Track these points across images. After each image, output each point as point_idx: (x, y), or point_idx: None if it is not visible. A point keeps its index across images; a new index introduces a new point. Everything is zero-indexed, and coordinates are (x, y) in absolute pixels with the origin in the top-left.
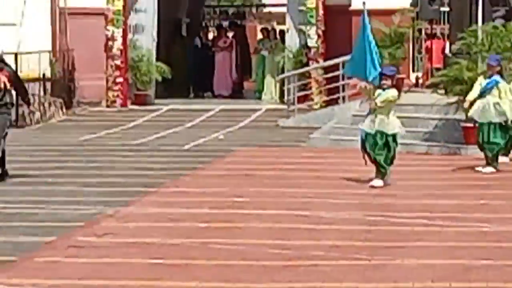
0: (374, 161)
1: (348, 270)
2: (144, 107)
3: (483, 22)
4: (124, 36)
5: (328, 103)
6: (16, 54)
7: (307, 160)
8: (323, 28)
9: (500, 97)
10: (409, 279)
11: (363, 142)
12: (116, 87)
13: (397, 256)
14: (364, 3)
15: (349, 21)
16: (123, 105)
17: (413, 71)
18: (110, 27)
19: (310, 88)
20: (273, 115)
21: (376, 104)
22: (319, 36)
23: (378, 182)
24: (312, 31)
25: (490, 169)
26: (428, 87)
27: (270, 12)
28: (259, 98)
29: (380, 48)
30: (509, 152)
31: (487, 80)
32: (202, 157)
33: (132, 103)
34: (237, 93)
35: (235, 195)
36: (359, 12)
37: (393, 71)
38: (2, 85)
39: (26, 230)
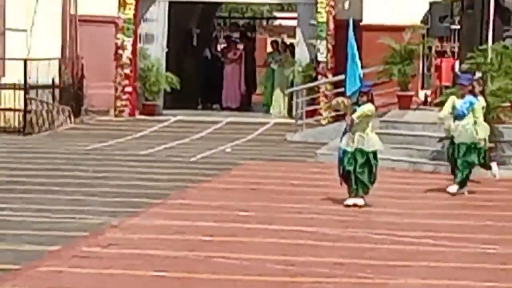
0: (347, 181)
1: None
2: (152, 117)
3: (493, 42)
4: (134, 45)
5: (336, 119)
6: (25, 60)
7: (313, 175)
8: (333, 42)
9: (475, 116)
10: None
11: (340, 161)
12: (125, 96)
13: (401, 275)
14: (350, 17)
15: (359, 36)
16: (131, 114)
17: (422, 88)
18: (120, 36)
19: (319, 103)
20: (280, 129)
21: (352, 120)
22: (328, 50)
23: (357, 201)
24: (322, 46)
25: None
26: (436, 105)
27: (280, 25)
28: (267, 111)
29: (390, 64)
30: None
31: (461, 101)
32: (208, 170)
33: (140, 113)
34: (245, 106)
35: (240, 209)
36: (370, 27)
37: (368, 86)
38: None
39: (30, 239)
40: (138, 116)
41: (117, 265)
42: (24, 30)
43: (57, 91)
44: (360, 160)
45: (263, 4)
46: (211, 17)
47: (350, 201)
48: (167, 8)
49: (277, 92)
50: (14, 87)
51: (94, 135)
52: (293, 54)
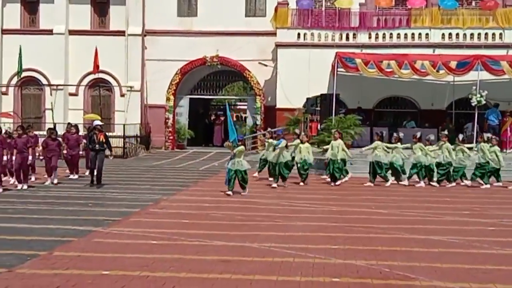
0: (229, 183)
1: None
2: (181, 150)
3: (335, 115)
4: (173, 118)
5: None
6: (124, 125)
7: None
8: (263, 116)
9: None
10: None
11: (227, 173)
12: (169, 141)
13: (294, 220)
14: (226, 102)
15: (275, 113)
16: (172, 149)
17: None
18: (167, 113)
19: (256, 142)
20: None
21: (234, 153)
22: (261, 119)
23: (245, 192)
24: (258, 117)
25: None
26: (312, 143)
27: (239, 108)
28: (234, 147)
29: (289, 125)
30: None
31: (277, 142)
32: (207, 174)
33: (176, 148)
34: (223, 145)
35: (220, 190)
36: (280, 109)
37: (242, 137)
38: (101, 139)
39: (126, 205)
40: (175, 150)
41: (166, 217)
42: (123, 111)
43: (138, 139)
44: (239, 173)
45: (232, 99)
46: (208, 104)
47: (229, 192)
48: (188, 101)
49: None
50: (119, 136)
51: (155, 158)
52: (245, 121)
